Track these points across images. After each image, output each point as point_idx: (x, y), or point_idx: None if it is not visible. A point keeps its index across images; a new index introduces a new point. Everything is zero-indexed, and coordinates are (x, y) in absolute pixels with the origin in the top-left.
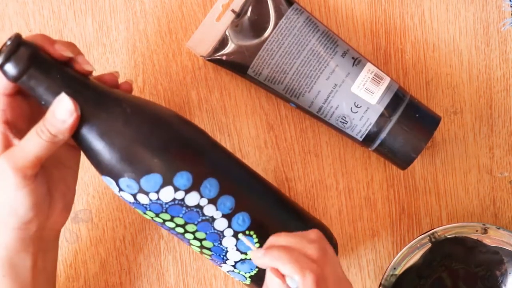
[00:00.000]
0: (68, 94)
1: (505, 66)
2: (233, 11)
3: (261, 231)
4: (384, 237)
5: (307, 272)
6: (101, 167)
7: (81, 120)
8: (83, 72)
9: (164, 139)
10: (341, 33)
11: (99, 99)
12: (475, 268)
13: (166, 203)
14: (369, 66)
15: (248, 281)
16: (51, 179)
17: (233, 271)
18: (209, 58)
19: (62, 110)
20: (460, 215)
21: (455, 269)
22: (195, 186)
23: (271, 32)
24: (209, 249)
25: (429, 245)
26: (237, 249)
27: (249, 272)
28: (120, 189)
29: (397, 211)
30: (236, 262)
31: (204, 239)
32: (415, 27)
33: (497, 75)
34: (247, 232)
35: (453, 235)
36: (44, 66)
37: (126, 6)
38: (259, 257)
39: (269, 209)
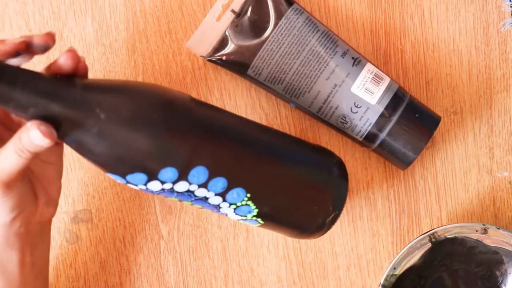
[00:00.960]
0: (40, 105)
1: (505, 66)
2: (233, 11)
3: (259, 198)
4: (384, 237)
5: None
6: (91, 162)
7: (61, 131)
8: (45, 39)
9: (140, 139)
10: (341, 33)
11: (71, 103)
12: (475, 268)
13: (156, 191)
14: (369, 66)
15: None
16: (32, 176)
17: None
18: (209, 58)
19: (37, 137)
20: (460, 215)
21: (455, 269)
22: (182, 177)
23: (271, 32)
24: (211, 212)
25: (429, 245)
26: (237, 214)
27: (255, 225)
28: (112, 177)
29: (397, 211)
30: (239, 220)
31: (202, 208)
32: (415, 27)
33: (497, 75)
34: (243, 203)
35: (453, 235)
36: (8, 78)
37: (126, 6)
38: None
39: (265, 175)
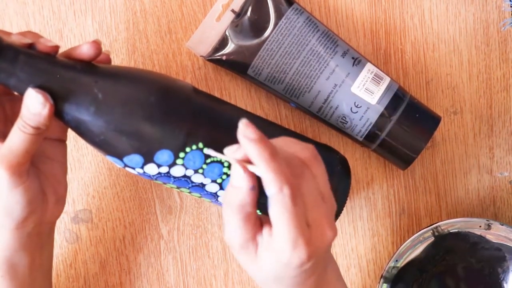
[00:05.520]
0: (40, 81)
1: (505, 66)
2: (233, 11)
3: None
4: (384, 237)
5: (285, 186)
6: (90, 144)
7: (59, 105)
8: (48, 50)
9: (137, 120)
10: (341, 33)
11: (71, 81)
12: (476, 264)
13: (154, 175)
14: (369, 66)
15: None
16: (41, 174)
17: None
18: (209, 58)
19: (34, 104)
20: (460, 215)
21: (457, 264)
22: (178, 161)
23: (271, 32)
24: (209, 201)
25: (432, 239)
26: None
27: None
28: (111, 160)
29: (397, 211)
30: None
31: (200, 197)
32: (415, 27)
33: (497, 75)
34: None
35: (456, 230)
36: (11, 54)
37: (126, 6)
38: (234, 150)
39: None
